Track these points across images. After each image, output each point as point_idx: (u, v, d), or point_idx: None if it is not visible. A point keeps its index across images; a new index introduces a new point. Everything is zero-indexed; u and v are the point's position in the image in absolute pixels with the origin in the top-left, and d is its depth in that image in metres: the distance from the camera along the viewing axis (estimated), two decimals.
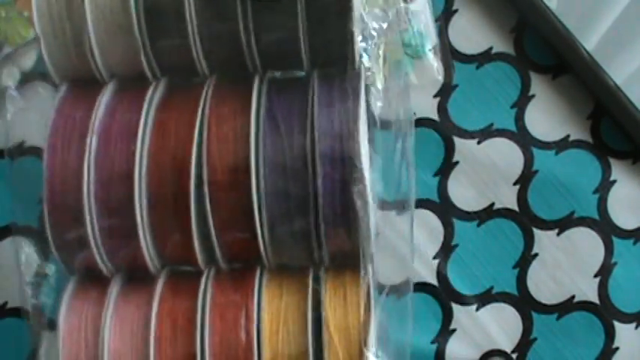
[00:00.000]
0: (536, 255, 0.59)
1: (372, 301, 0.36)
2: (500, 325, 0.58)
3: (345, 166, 0.32)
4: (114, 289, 0.37)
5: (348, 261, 0.37)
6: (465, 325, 0.58)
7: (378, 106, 0.36)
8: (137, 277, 0.37)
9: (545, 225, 0.59)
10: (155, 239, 0.35)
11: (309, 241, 0.34)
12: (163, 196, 0.33)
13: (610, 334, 0.58)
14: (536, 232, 0.59)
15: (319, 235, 0.34)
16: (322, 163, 0.32)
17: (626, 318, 0.58)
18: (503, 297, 0.58)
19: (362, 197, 0.33)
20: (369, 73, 0.35)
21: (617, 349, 0.58)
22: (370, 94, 0.36)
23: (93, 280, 0.37)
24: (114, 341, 0.35)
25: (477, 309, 0.58)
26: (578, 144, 0.59)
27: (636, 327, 0.58)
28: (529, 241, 0.59)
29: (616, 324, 0.58)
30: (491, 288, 0.58)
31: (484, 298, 0.58)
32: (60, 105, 0.36)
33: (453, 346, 0.57)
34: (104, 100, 0.35)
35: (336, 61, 0.35)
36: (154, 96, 0.35)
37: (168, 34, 0.34)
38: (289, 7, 0.32)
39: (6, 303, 0.59)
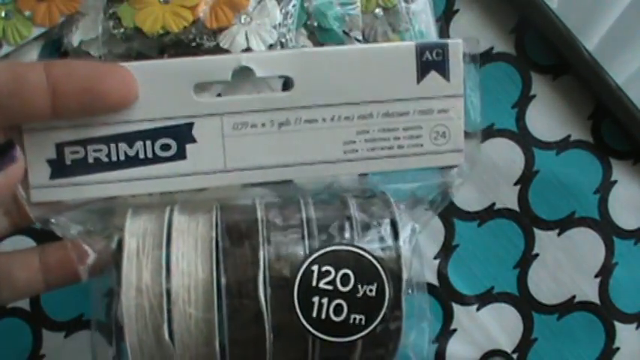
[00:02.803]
0: (536, 255, 0.59)
1: None
2: (500, 325, 0.58)
3: None
4: None
5: None
6: (466, 325, 0.58)
7: None
8: None
9: (546, 225, 0.59)
10: None
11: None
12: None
13: (611, 335, 0.58)
14: (537, 232, 0.59)
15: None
16: None
17: (626, 318, 0.58)
18: (504, 297, 0.58)
19: None
20: None
21: (617, 349, 0.58)
22: None
23: None
24: None
25: (478, 309, 0.58)
26: (579, 144, 0.59)
27: (637, 327, 0.58)
28: (530, 241, 0.59)
29: (617, 324, 0.58)
30: (492, 288, 0.58)
31: (485, 298, 0.58)
32: None
33: (453, 346, 0.57)
34: None
35: None
36: None
37: None
38: None
39: None
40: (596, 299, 0.58)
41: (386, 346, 0.39)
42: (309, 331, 0.36)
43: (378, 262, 0.37)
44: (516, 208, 0.59)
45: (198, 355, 0.38)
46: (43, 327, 0.59)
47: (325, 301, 0.37)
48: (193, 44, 0.57)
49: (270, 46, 0.58)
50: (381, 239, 0.39)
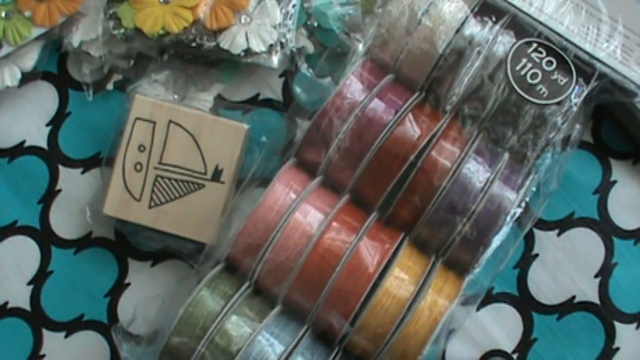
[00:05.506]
0: (536, 255, 0.59)
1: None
2: (500, 325, 0.58)
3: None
4: (315, 182, 0.53)
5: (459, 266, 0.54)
6: (466, 325, 0.58)
7: None
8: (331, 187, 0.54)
9: (546, 225, 0.59)
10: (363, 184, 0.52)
11: (451, 234, 0.51)
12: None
13: (610, 335, 0.58)
14: (537, 232, 0.59)
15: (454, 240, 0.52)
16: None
17: (626, 318, 0.58)
18: (504, 297, 0.58)
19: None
20: None
21: (617, 349, 0.58)
22: None
23: (304, 170, 0.54)
24: (296, 216, 0.51)
25: (478, 309, 0.58)
26: (579, 144, 0.59)
27: (637, 327, 0.58)
28: (529, 241, 0.59)
29: (616, 324, 0.58)
30: (492, 288, 0.58)
31: (485, 299, 0.58)
32: None
33: (453, 346, 0.57)
34: None
35: None
36: None
37: None
38: None
39: (6, 303, 0.59)
40: (596, 299, 0.58)
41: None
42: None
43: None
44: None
45: None
46: (43, 327, 0.59)
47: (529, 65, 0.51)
48: (193, 44, 0.57)
49: (271, 46, 0.58)
50: None
